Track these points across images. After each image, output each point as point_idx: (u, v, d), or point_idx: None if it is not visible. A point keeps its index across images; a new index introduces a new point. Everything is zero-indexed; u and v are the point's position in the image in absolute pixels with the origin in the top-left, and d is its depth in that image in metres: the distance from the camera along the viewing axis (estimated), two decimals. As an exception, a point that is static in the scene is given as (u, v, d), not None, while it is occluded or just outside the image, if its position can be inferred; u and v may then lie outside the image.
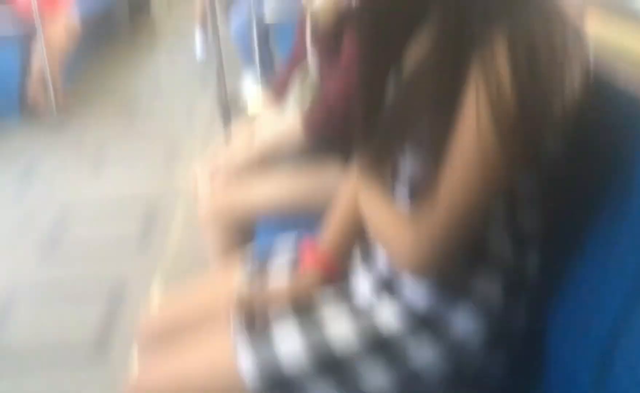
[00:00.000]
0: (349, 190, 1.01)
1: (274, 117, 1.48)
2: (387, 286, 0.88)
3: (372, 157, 0.88)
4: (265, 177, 1.40)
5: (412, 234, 0.77)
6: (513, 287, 0.83)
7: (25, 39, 3.40)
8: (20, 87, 3.49)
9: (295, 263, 1.04)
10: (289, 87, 1.47)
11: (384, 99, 0.86)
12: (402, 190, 0.86)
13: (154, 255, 2.23)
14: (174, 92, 3.93)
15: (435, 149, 0.74)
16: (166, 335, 1.05)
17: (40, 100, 3.52)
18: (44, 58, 3.36)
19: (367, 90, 0.87)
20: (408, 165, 0.83)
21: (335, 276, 0.99)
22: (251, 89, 3.50)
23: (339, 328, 0.87)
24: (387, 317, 0.86)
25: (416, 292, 0.85)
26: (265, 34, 3.43)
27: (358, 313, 0.89)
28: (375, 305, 0.89)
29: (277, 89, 1.55)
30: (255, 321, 0.92)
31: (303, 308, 0.92)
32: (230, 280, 1.07)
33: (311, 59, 1.41)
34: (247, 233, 1.40)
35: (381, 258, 0.90)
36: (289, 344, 0.87)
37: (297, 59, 1.50)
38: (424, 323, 0.84)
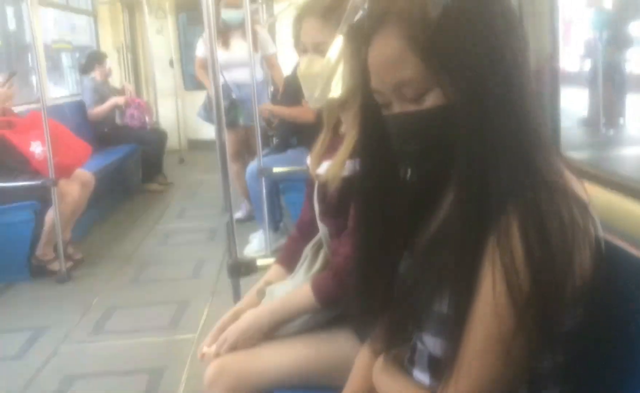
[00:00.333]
0: (364, 365, 0.98)
1: (284, 282, 1.46)
2: None
3: (387, 334, 0.86)
4: (274, 344, 1.36)
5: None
6: None
7: (41, 199, 3.50)
8: (31, 246, 3.56)
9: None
10: (299, 254, 1.47)
11: (395, 276, 0.85)
12: (420, 365, 0.83)
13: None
14: (183, 253, 3.96)
15: (455, 324, 0.74)
16: None
17: (49, 256, 3.58)
18: (57, 218, 3.45)
19: (375, 270, 0.87)
20: (426, 340, 0.81)
21: None
22: (258, 248, 3.56)
23: None
24: None
25: None
26: (274, 187, 3.55)
27: None
28: None
29: (287, 255, 1.55)
30: None
31: None
32: None
33: (320, 224, 1.43)
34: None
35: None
36: None
37: (306, 224, 1.52)
38: None
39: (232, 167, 4.09)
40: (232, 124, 3.86)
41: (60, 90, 6.83)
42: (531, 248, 0.68)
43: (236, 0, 3.81)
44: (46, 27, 6.78)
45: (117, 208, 5.04)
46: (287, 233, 3.19)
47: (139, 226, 4.59)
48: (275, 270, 1.55)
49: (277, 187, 3.55)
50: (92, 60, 5.51)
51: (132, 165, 5.53)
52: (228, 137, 3.89)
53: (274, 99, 4.32)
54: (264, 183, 3.27)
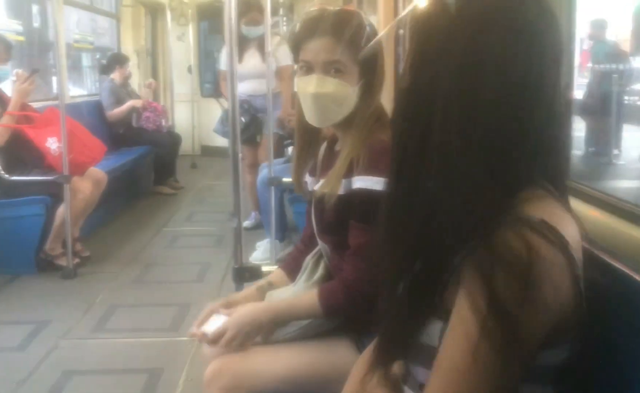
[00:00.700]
0: (359, 377, 0.98)
1: (285, 289, 1.47)
2: None
3: (379, 351, 0.87)
4: (273, 348, 1.36)
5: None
6: None
7: (52, 195, 3.54)
8: (40, 240, 3.59)
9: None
10: (302, 264, 1.47)
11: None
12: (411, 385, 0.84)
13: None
14: (189, 257, 3.98)
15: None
16: None
17: (57, 252, 3.61)
18: (68, 214, 3.48)
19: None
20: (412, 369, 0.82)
21: None
22: (263, 256, 3.57)
23: None
24: None
25: None
26: (283, 197, 3.57)
27: None
28: None
29: (291, 263, 1.56)
30: None
31: None
32: None
33: (320, 241, 1.43)
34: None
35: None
36: None
37: (309, 238, 1.52)
38: None
39: (247, 178, 4.10)
40: (249, 140, 3.87)
41: (79, 89, 6.93)
42: (494, 285, 0.68)
43: (258, 17, 3.86)
44: (69, 27, 6.89)
45: (127, 208, 5.08)
46: (293, 244, 3.20)
47: (147, 227, 4.62)
48: (278, 274, 1.56)
49: (282, 196, 3.56)
50: (113, 61, 5.58)
51: (144, 167, 5.57)
52: (245, 151, 3.94)
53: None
54: (273, 192, 3.29)
